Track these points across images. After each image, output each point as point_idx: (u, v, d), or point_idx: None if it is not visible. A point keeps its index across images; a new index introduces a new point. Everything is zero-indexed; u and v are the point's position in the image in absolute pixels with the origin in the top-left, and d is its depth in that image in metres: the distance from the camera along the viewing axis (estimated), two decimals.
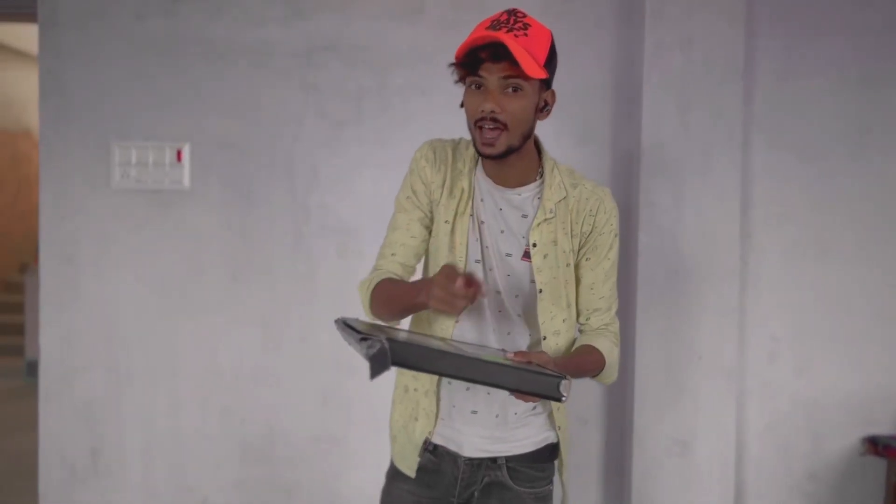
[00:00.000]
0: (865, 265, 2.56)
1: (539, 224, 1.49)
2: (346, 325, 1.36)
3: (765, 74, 2.56)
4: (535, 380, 1.26)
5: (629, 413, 2.54)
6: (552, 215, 1.49)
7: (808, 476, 2.60)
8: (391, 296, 1.48)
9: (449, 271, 1.26)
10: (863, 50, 2.54)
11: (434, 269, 1.55)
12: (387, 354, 1.18)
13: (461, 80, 1.43)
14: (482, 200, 1.51)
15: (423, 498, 1.57)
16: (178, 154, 2.69)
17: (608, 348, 1.54)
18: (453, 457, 1.55)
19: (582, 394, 2.66)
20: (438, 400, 1.56)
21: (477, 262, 1.51)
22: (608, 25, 2.61)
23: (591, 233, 1.52)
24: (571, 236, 1.52)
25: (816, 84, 2.56)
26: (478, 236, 1.50)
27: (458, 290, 1.24)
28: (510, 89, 1.38)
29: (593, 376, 1.55)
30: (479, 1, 2.63)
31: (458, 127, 2.64)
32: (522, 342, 1.53)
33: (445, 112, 2.73)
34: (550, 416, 1.58)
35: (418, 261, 1.60)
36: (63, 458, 2.75)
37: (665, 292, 2.47)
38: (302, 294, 2.71)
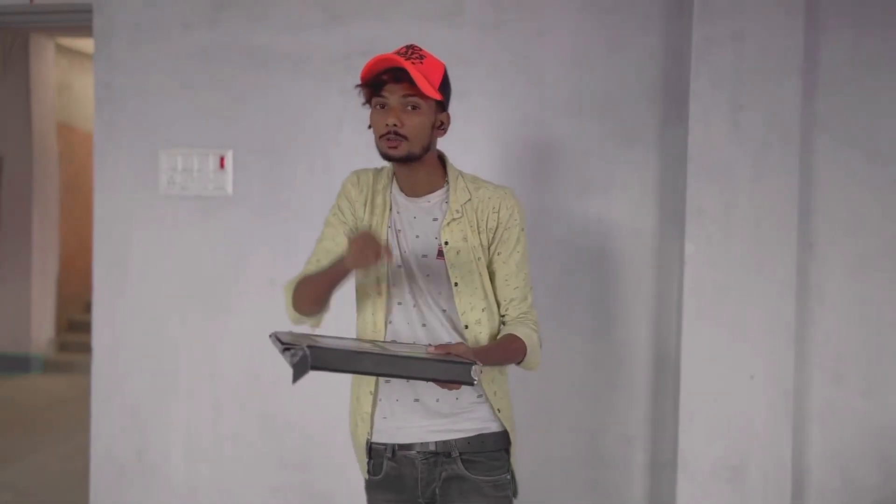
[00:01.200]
0: None
1: (448, 224, 1.66)
2: (276, 339, 1.50)
3: (829, 70, 2.36)
4: (448, 369, 1.41)
5: (671, 433, 2.38)
6: (459, 215, 1.67)
7: None
8: (312, 281, 1.69)
9: (365, 232, 1.54)
10: None
11: (362, 279, 1.72)
12: (307, 360, 1.34)
13: (368, 101, 1.64)
14: (398, 213, 1.70)
15: (395, 503, 1.69)
16: (221, 161, 2.73)
17: (526, 334, 1.67)
18: (410, 459, 1.66)
19: (625, 409, 2.53)
20: (376, 401, 1.69)
21: (399, 267, 1.67)
22: (656, 20, 2.48)
23: (497, 228, 1.69)
24: (479, 232, 1.68)
25: (887, 79, 2.34)
26: (396, 243, 1.68)
27: (372, 244, 1.49)
28: (409, 107, 1.59)
29: (518, 363, 1.68)
30: (518, 1, 2.55)
31: (497, 129, 2.60)
32: (449, 335, 1.66)
33: (485, 114, 2.69)
34: (491, 405, 1.68)
35: None
36: (112, 459, 2.83)
37: (713, 306, 2.31)
38: (341, 299, 2.68)
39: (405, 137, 1.59)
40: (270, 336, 1.55)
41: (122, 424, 2.82)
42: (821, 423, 2.40)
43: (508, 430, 1.70)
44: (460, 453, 1.66)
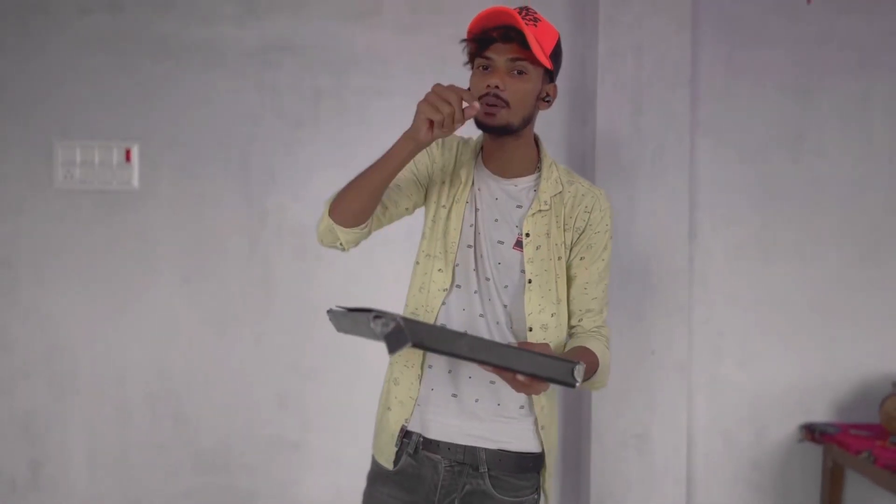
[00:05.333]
0: (803, 263, 2.70)
1: (533, 214, 1.51)
2: (348, 311, 1.32)
3: (709, 81, 2.67)
4: (550, 364, 1.26)
5: (586, 408, 2.60)
6: (546, 207, 1.52)
7: (752, 465, 2.72)
8: (359, 176, 1.46)
9: (451, 85, 1.33)
10: (797, 60, 2.69)
11: (426, 251, 1.56)
12: (403, 332, 1.16)
13: (470, 60, 1.48)
14: (479, 189, 1.55)
15: (402, 502, 1.53)
16: (127, 153, 2.60)
17: (601, 351, 1.52)
18: (434, 463, 1.52)
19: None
20: (420, 386, 1.53)
21: (469, 247, 1.52)
22: (562, 30, 2.68)
23: (585, 230, 1.55)
24: (564, 230, 1.54)
25: (756, 90, 2.69)
26: (472, 223, 1.53)
27: (454, 92, 1.30)
28: (516, 71, 1.43)
29: (585, 380, 1.48)
30: (435, 4, 2.65)
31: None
32: (501, 334, 1.51)
33: (404, 114, 2.72)
34: (536, 420, 1.54)
35: (391, 206, 1.56)
36: (1, 472, 2.61)
37: (619, 291, 2.55)
38: (257, 297, 2.66)
39: (506, 103, 1.42)
40: (331, 311, 1.38)
41: (13, 433, 2.61)
42: (705, 393, 2.71)
43: (546, 450, 1.54)
44: (488, 468, 1.50)
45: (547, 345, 1.40)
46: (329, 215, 1.48)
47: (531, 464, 1.53)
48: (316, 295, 2.66)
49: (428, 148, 1.55)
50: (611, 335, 1.63)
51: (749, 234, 2.70)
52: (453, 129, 1.34)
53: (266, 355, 2.66)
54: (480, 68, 1.45)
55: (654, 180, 2.56)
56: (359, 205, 1.45)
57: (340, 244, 1.51)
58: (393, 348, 1.16)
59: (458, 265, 1.52)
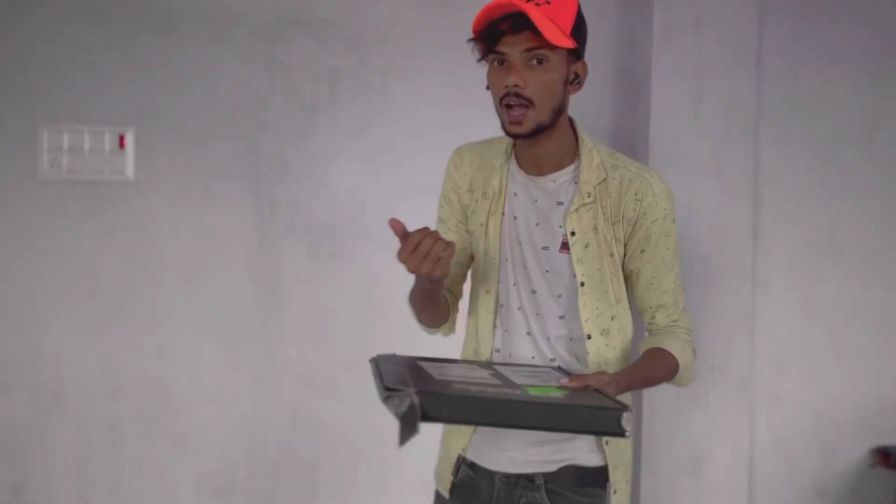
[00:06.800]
0: (878, 267, 2.43)
1: (576, 209, 1.39)
2: (377, 373, 1.23)
3: (773, 64, 2.40)
4: (591, 416, 1.15)
5: (636, 429, 2.33)
6: (591, 199, 1.39)
7: (818, 492, 2.46)
8: (412, 295, 1.46)
9: (424, 229, 1.26)
10: (874, 40, 2.41)
11: (475, 272, 1.51)
12: (415, 410, 1.06)
13: (483, 57, 1.35)
14: (515, 195, 1.44)
15: None
16: (121, 140, 2.34)
17: (679, 349, 1.42)
18: (489, 473, 1.44)
19: None
20: None
21: (506, 260, 1.44)
22: (611, 6, 2.40)
23: (638, 220, 1.39)
24: (613, 223, 1.40)
25: (826, 75, 2.41)
26: (512, 233, 1.43)
27: (427, 244, 1.23)
28: (534, 61, 1.30)
29: (670, 380, 1.45)
30: None
31: (443, 114, 2.41)
32: (552, 350, 1.42)
33: (430, 97, 2.49)
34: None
35: (464, 267, 1.54)
36: None
37: None
38: (267, 302, 2.40)
39: (530, 101, 1.30)
40: (371, 361, 1.31)
41: None
42: (767, 412, 2.44)
43: (612, 465, 1.42)
44: (545, 481, 1.41)
45: (602, 373, 1.29)
46: (419, 322, 1.54)
47: (591, 478, 1.43)
48: (332, 299, 2.40)
49: (449, 180, 1.51)
50: (691, 322, 1.49)
51: (817, 235, 2.43)
52: (447, 266, 1.27)
53: (276, 366, 2.39)
54: (495, 63, 1.33)
55: (714, 174, 2.29)
56: (430, 320, 1.50)
57: (443, 334, 1.57)
58: (406, 434, 1.07)
59: (500, 283, 1.45)
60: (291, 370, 2.40)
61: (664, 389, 2.27)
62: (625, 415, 1.12)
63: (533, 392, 1.18)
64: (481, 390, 1.17)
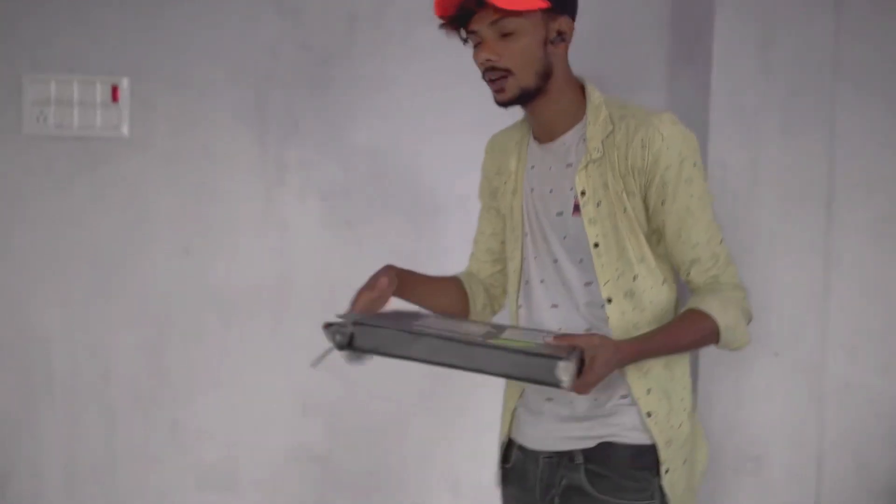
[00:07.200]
0: None
1: (584, 167, 1.35)
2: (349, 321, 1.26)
3: (856, 9, 2.11)
4: (525, 363, 1.14)
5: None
6: (599, 155, 1.34)
7: (890, 494, 2.20)
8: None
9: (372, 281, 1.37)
10: None
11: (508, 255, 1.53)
12: (346, 339, 1.19)
13: (464, 40, 1.38)
14: (532, 167, 1.45)
15: (517, 500, 1.48)
16: (114, 91, 2.12)
17: (718, 307, 1.31)
18: (535, 455, 1.42)
19: None
20: (522, 393, 1.47)
21: (527, 234, 1.44)
22: None
23: (649, 169, 1.32)
24: (623, 176, 1.33)
25: None
26: (530, 206, 1.43)
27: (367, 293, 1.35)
28: (501, 34, 1.31)
29: (715, 344, 1.34)
30: None
31: (472, 66, 2.13)
32: (584, 318, 1.37)
33: (457, 46, 2.19)
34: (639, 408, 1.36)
35: (492, 254, 1.59)
36: None
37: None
38: (274, 275, 2.17)
39: (508, 71, 1.31)
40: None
41: None
42: (836, 404, 2.18)
43: (661, 443, 1.33)
44: (585, 460, 1.35)
45: (594, 335, 1.24)
46: None
47: (635, 458, 1.35)
48: (347, 272, 2.14)
49: (483, 167, 1.58)
50: (738, 276, 1.38)
51: None
52: (388, 292, 1.36)
53: (284, 348, 2.17)
54: (476, 45, 1.34)
55: (785, 133, 2.02)
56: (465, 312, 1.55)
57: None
58: (352, 359, 1.21)
59: (524, 259, 1.45)
60: (301, 351, 2.16)
61: (722, 378, 2.05)
62: (560, 364, 1.08)
63: (492, 341, 1.18)
64: (430, 330, 1.20)
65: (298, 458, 2.18)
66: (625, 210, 1.33)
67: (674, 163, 1.30)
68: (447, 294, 1.52)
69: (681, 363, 1.39)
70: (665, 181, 1.31)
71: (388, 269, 1.38)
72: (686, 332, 1.32)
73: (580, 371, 1.17)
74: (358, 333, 1.17)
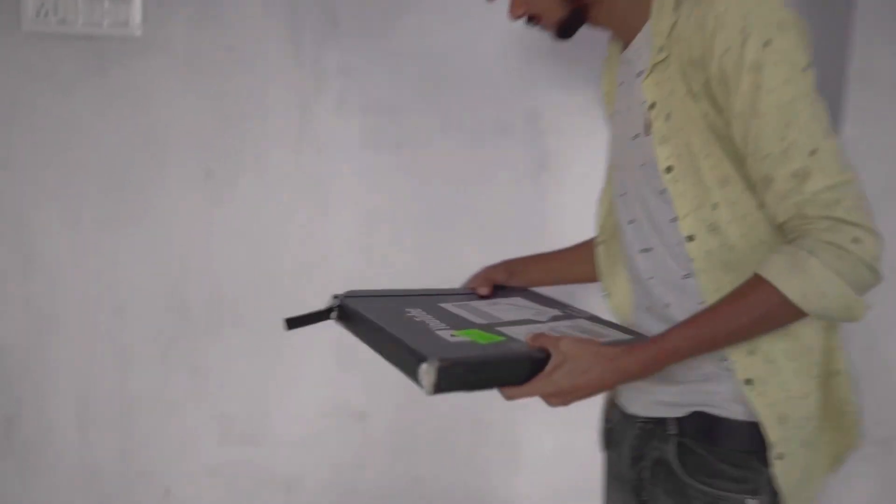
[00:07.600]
0: None
1: (651, 73, 1.10)
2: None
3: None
4: (405, 357, 1.01)
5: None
6: (663, 55, 1.08)
7: None
8: None
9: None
10: None
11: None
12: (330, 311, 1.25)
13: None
14: (622, 84, 1.24)
15: (611, 468, 1.32)
16: None
17: (784, 266, 0.95)
18: (632, 419, 1.23)
19: None
20: None
21: (614, 168, 1.28)
22: None
23: (705, 58, 1.00)
24: (684, 74, 1.04)
25: None
26: (615, 133, 1.26)
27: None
28: None
29: (800, 318, 0.98)
30: None
31: None
32: (677, 262, 1.12)
33: None
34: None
35: None
36: None
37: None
38: (308, 203, 1.85)
39: (538, 16, 1.21)
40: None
41: None
42: None
43: (767, 421, 1.04)
44: (678, 432, 1.13)
45: (565, 337, 1.02)
46: None
47: (734, 437, 1.09)
48: (393, 203, 1.84)
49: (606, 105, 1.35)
50: (865, 219, 0.94)
51: None
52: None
53: (320, 285, 1.84)
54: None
55: None
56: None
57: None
58: (346, 325, 1.23)
59: (613, 197, 1.28)
60: (339, 290, 1.87)
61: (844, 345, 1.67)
62: (423, 366, 0.95)
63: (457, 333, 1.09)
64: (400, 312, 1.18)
65: (331, 412, 1.90)
66: (693, 119, 1.04)
67: (734, 43, 0.96)
68: (580, 263, 1.42)
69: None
70: (724, 71, 0.98)
71: (485, 278, 1.37)
72: (734, 313, 0.99)
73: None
74: (346, 304, 1.21)
